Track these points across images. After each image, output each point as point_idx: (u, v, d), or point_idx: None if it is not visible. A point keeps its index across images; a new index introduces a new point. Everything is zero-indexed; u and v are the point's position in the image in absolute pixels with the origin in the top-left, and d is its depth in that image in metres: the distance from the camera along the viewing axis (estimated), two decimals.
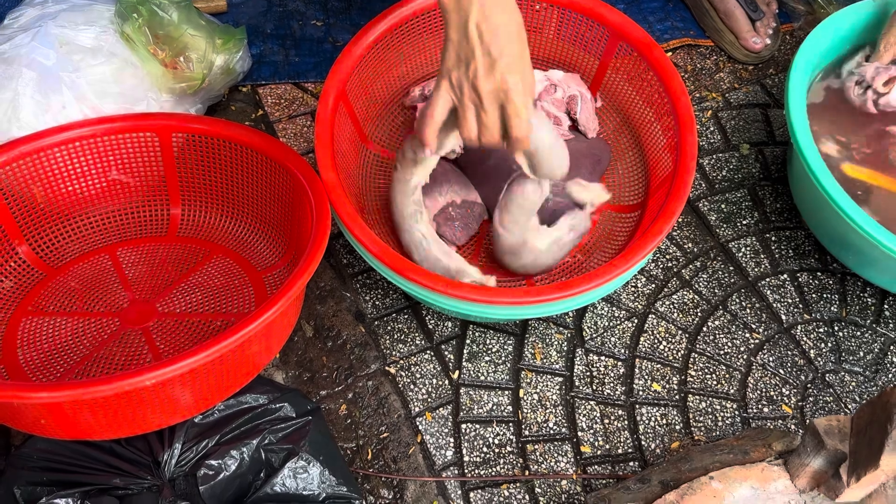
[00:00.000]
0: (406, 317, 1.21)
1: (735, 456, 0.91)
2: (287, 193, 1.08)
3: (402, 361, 1.17)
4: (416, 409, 1.13)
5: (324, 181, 1.02)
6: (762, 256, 1.28)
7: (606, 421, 1.14)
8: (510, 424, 1.13)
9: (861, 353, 1.21)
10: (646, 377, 1.17)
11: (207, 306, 1.06)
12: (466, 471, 1.09)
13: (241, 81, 1.37)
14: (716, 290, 1.25)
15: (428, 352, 1.18)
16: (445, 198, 1.15)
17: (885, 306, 1.25)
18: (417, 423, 1.12)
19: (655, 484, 0.90)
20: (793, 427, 1.14)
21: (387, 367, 1.16)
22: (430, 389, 1.15)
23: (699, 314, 1.23)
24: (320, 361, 1.16)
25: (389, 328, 1.20)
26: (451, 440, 1.11)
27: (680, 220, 1.31)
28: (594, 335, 1.20)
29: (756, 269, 1.27)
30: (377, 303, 1.22)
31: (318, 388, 1.13)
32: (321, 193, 1.01)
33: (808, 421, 1.14)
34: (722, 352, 1.20)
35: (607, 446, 1.12)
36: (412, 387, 1.15)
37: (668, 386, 1.16)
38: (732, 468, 0.88)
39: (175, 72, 1.19)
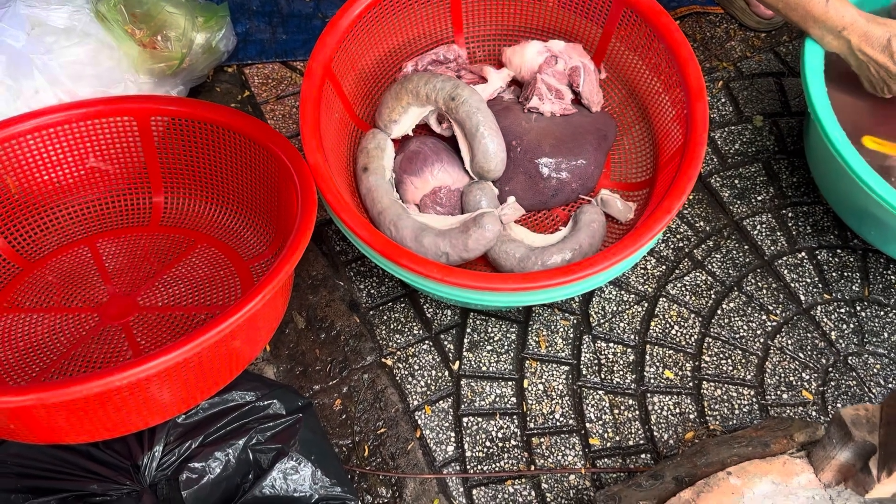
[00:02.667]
0: (403, 305, 1.15)
1: (754, 448, 0.85)
2: (272, 178, 1.02)
3: (399, 353, 1.11)
4: (415, 403, 1.08)
5: (310, 164, 0.96)
6: (778, 234, 1.21)
7: (616, 411, 1.08)
8: (514, 417, 1.07)
9: (886, 334, 1.14)
10: (657, 364, 1.11)
11: (191, 299, 1.00)
12: (468, 467, 1.03)
13: (226, 61, 1.31)
14: (730, 271, 1.18)
15: (426, 342, 1.12)
16: (437, 179, 1.09)
17: None
18: (416, 418, 1.07)
19: (669, 480, 0.84)
20: (814, 414, 1.08)
21: (383, 359, 1.10)
22: (429, 382, 1.09)
23: (713, 296, 1.16)
24: (313, 354, 1.10)
25: (385, 318, 1.14)
26: (452, 435, 1.06)
27: (691, 197, 1.25)
28: (602, 321, 1.14)
29: (772, 248, 1.20)
30: (372, 291, 1.16)
31: (311, 383, 1.08)
32: (307, 177, 0.95)
33: (829, 407, 1.08)
34: (737, 335, 1.13)
35: (617, 438, 1.06)
36: (410, 379, 1.09)
37: (680, 373, 1.10)
38: (752, 462, 0.82)
39: (153, 51, 1.13)
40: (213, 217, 1.10)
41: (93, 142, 1.08)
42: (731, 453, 0.85)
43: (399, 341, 1.12)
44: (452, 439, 1.05)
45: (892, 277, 1.18)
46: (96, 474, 0.84)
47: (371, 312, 1.14)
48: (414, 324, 1.13)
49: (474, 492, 1.02)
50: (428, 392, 1.08)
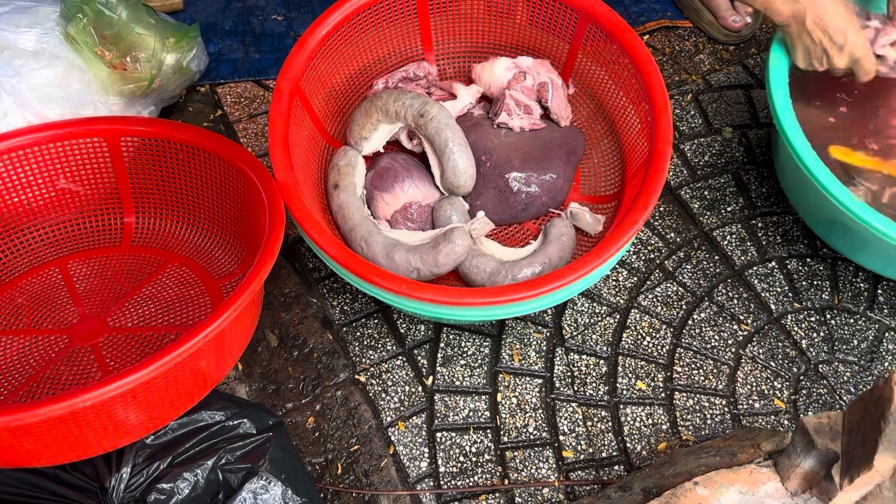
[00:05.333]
0: (376, 321, 1.15)
1: (721, 458, 0.85)
2: (242, 196, 1.02)
3: (372, 369, 1.11)
4: (388, 419, 1.08)
5: (278, 182, 0.97)
6: (748, 244, 1.22)
7: (589, 423, 1.08)
8: (488, 431, 1.07)
9: (855, 342, 1.15)
10: (630, 375, 1.11)
11: (161, 319, 1.00)
12: (442, 482, 1.03)
13: (198, 81, 1.31)
14: (701, 281, 1.19)
15: (400, 357, 1.12)
16: (408, 195, 1.09)
17: (879, 291, 1.19)
18: (390, 434, 1.07)
19: (637, 492, 0.84)
20: (786, 423, 1.08)
21: (356, 376, 1.11)
22: (402, 397, 1.09)
23: (684, 307, 1.17)
24: (286, 372, 1.10)
25: (358, 334, 1.14)
26: (426, 450, 1.06)
27: (661, 208, 1.26)
28: (574, 333, 1.15)
29: (742, 258, 1.21)
30: (345, 308, 1.16)
31: (283, 401, 1.08)
32: (275, 195, 0.96)
33: (801, 415, 1.08)
34: (709, 345, 1.14)
35: (591, 450, 1.06)
36: (384, 395, 1.09)
37: (653, 384, 1.11)
38: (719, 472, 0.82)
39: (123, 73, 1.13)
40: (185, 236, 1.10)
41: (63, 163, 1.08)
42: (698, 463, 0.85)
43: (372, 357, 1.12)
44: (426, 455, 1.05)
45: (862, 285, 1.20)
46: (63, 497, 0.84)
47: (344, 329, 1.14)
48: (387, 340, 1.14)
49: None
50: (401, 408, 1.08)
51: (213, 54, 1.36)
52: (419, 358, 1.12)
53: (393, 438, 1.06)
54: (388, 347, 1.13)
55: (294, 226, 1.05)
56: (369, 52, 1.18)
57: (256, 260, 0.87)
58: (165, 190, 1.10)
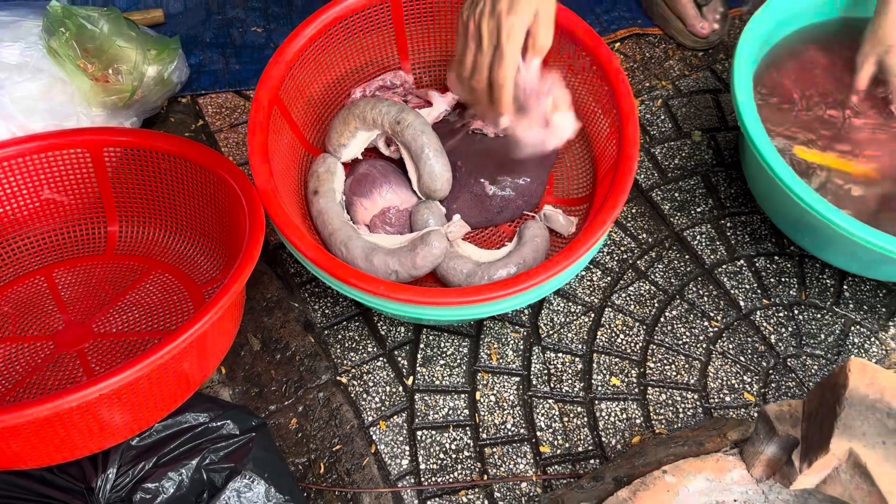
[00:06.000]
0: (357, 324, 1.18)
1: (690, 448, 0.88)
2: (223, 203, 1.05)
3: (353, 370, 1.14)
4: (370, 419, 1.10)
5: (258, 188, 0.99)
6: (718, 243, 1.26)
7: (566, 419, 1.11)
8: (467, 428, 1.10)
9: (822, 336, 1.19)
10: (604, 372, 1.14)
11: (145, 324, 1.03)
12: (423, 479, 1.06)
13: (179, 92, 1.34)
14: (672, 280, 1.23)
15: (381, 359, 1.15)
16: (386, 200, 1.12)
17: (845, 287, 1.23)
18: (371, 433, 1.09)
19: (609, 481, 0.87)
20: (756, 415, 1.12)
21: (338, 377, 1.13)
22: (383, 397, 1.12)
23: (656, 305, 1.20)
24: (269, 375, 1.12)
25: (340, 337, 1.16)
26: (407, 448, 1.08)
27: (634, 210, 1.29)
28: (551, 332, 1.18)
29: (712, 257, 1.25)
30: (327, 311, 1.18)
31: (266, 403, 1.10)
32: (255, 201, 0.98)
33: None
34: (681, 342, 1.17)
35: (567, 445, 1.09)
36: (365, 396, 1.12)
37: (626, 379, 1.14)
38: (686, 460, 0.85)
39: (105, 85, 1.15)
40: (168, 244, 1.13)
41: (47, 174, 1.10)
42: (667, 453, 0.88)
43: (354, 359, 1.15)
44: (407, 453, 1.08)
45: (828, 281, 1.24)
46: (51, 498, 0.86)
47: (326, 332, 1.17)
48: (368, 342, 1.16)
49: (429, 503, 1.04)
50: (382, 408, 1.11)
51: (195, 66, 1.38)
52: (400, 359, 1.15)
53: (374, 437, 1.09)
54: (369, 349, 1.16)
55: (275, 232, 1.07)
56: (347, 62, 1.21)
57: (237, 264, 0.89)
58: (148, 199, 1.12)
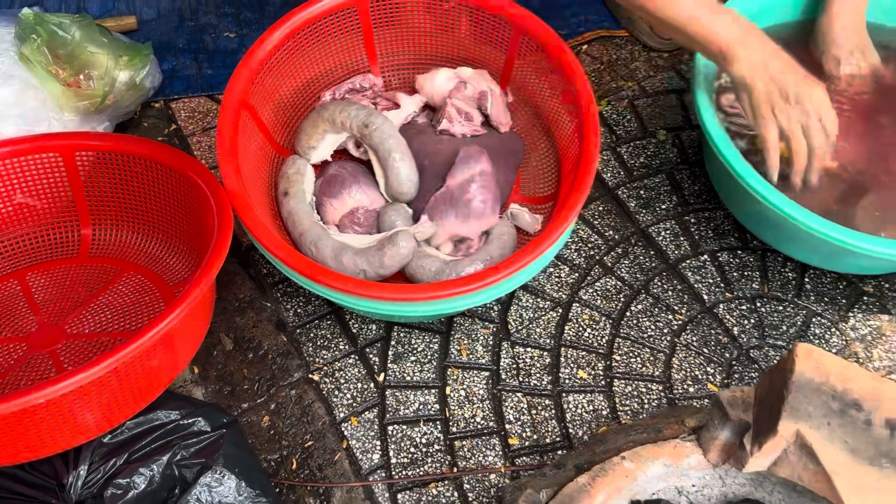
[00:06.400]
0: (329, 322, 1.20)
1: (648, 435, 0.91)
2: (193, 205, 1.07)
3: (325, 368, 1.16)
4: (342, 415, 1.12)
5: (227, 189, 1.01)
6: (682, 239, 1.29)
7: (534, 412, 1.13)
8: (437, 423, 1.12)
9: (784, 327, 1.22)
10: (572, 365, 1.17)
11: (117, 324, 1.04)
12: (394, 473, 1.08)
13: (152, 97, 1.36)
14: (638, 275, 1.26)
15: (352, 356, 1.17)
16: (355, 200, 1.14)
17: (806, 279, 1.26)
18: (343, 429, 1.11)
19: (570, 468, 0.89)
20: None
21: (310, 375, 1.15)
22: (355, 394, 1.14)
23: (622, 299, 1.23)
24: (241, 374, 1.14)
25: (312, 335, 1.18)
26: (378, 443, 1.10)
27: (600, 208, 1.32)
28: (519, 327, 1.20)
29: (677, 252, 1.28)
30: (299, 310, 1.20)
31: (239, 402, 1.12)
32: (224, 202, 1.00)
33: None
34: (646, 335, 1.20)
35: (535, 437, 1.11)
36: (337, 392, 1.14)
37: (593, 372, 1.17)
38: (645, 447, 0.88)
39: (77, 90, 1.17)
40: (140, 246, 1.14)
41: (19, 178, 1.12)
42: (627, 440, 0.91)
43: (325, 357, 1.17)
44: (378, 448, 1.10)
45: (790, 274, 1.27)
46: (22, 495, 0.87)
47: (298, 331, 1.19)
48: (340, 340, 1.18)
49: (399, 496, 1.06)
50: (354, 404, 1.13)
51: (168, 71, 1.40)
52: (371, 356, 1.17)
53: (346, 433, 1.11)
54: (341, 347, 1.18)
55: (245, 232, 1.09)
56: (316, 66, 1.23)
57: (204, 262, 0.91)
58: (121, 202, 1.14)
